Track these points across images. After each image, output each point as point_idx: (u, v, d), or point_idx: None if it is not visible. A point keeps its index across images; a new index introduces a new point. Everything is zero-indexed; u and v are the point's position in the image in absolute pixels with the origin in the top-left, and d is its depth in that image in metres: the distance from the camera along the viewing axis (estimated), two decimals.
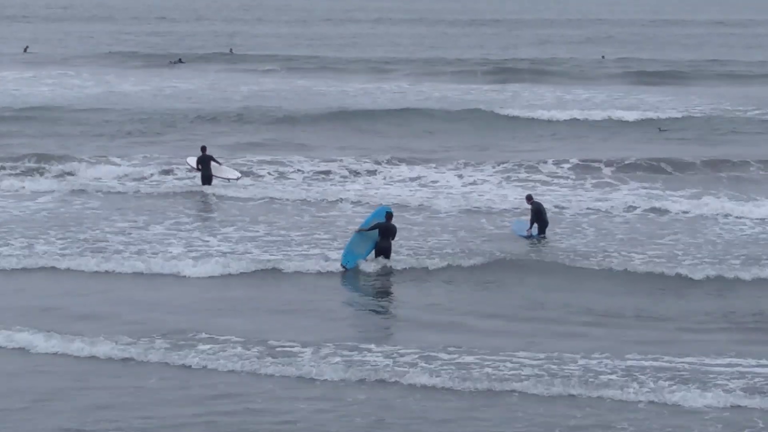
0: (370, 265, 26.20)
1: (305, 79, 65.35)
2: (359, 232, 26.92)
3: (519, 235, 29.64)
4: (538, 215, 29.39)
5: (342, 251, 26.79)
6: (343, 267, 26.29)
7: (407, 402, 18.10)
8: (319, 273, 25.91)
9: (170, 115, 49.78)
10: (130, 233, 29.15)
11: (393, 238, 26.84)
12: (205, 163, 35.47)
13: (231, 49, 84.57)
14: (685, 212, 32.13)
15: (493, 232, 30.08)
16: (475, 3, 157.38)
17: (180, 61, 75.48)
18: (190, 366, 19.56)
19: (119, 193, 34.75)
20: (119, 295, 24.11)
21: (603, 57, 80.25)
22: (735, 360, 19.73)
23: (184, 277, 25.52)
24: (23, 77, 64.02)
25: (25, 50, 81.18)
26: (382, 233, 26.65)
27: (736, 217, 31.54)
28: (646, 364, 19.48)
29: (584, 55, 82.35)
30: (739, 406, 17.75)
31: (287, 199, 33.83)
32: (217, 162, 35.78)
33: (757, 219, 31.34)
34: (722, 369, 19.28)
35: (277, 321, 22.32)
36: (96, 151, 40.66)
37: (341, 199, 33.83)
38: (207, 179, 35.37)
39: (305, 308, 23.33)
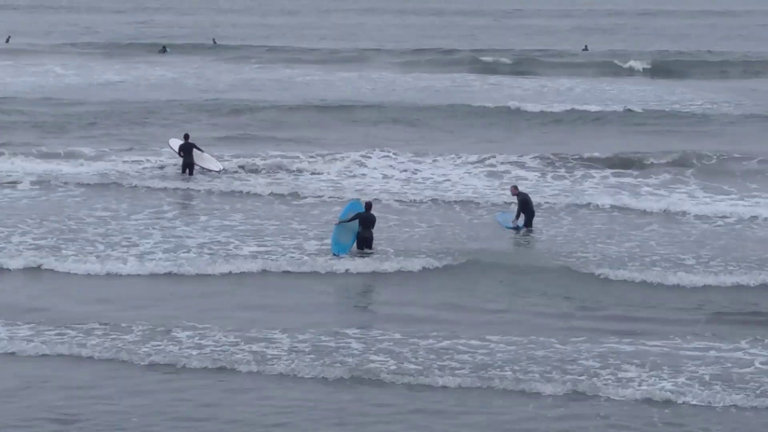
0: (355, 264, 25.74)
1: (289, 69, 65.28)
2: (339, 224, 27.08)
3: (504, 226, 29.44)
4: (525, 206, 29.24)
5: (329, 242, 26.97)
6: (336, 256, 26.39)
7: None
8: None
9: (151, 104, 49.66)
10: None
11: (373, 227, 26.99)
12: (187, 150, 35.30)
13: (214, 40, 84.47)
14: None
15: (474, 224, 29.96)
16: None
17: (164, 49, 75.20)
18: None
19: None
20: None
21: (585, 48, 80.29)
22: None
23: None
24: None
25: (7, 41, 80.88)
26: (362, 223, 26.83)
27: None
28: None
29: (569, 45, 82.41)
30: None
31: (260, 194, 33.20)
32: (200, 149, 35.58)
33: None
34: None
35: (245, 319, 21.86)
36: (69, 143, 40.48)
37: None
38: (188, 167, 35.26)
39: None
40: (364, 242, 26.84)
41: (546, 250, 27.09)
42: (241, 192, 33.41)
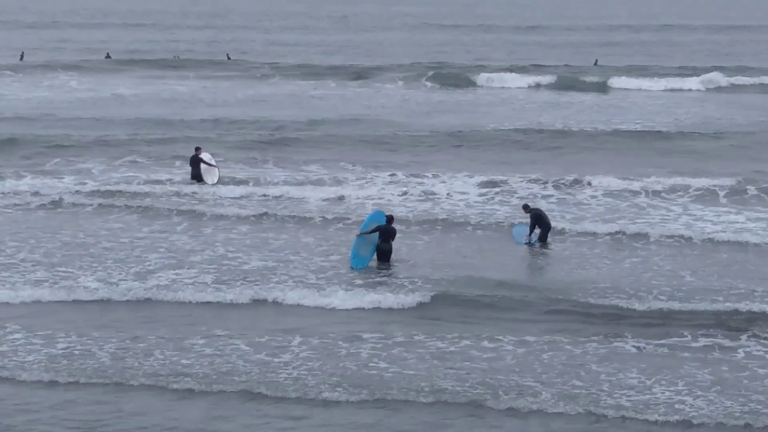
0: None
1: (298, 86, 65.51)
2: (360, 235, 27.35)
3: (517, 241, 29.69)
4: (539, 221, 29.46)
5: (349, 255, 27.32)
6: (354, 269, 26.73)
7: None
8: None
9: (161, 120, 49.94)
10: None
11: (393, 240, 27.36)
12: (195, 163, 36.82)
13: (228, 55, 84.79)
14: None
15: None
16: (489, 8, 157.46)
17: (176, 57, 75.42)
18: None
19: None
20: None
21: (596, 62, 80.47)
22: None
23: None
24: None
25: (21, 58, 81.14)
26: (382, 236, 27.19)
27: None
28: None
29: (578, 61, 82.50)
30: None
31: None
32: (207, 164, 36.96)
33: None
34: None
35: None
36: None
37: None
38: (195, 177, 36.75)
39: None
40: (383, 254, 27.23)
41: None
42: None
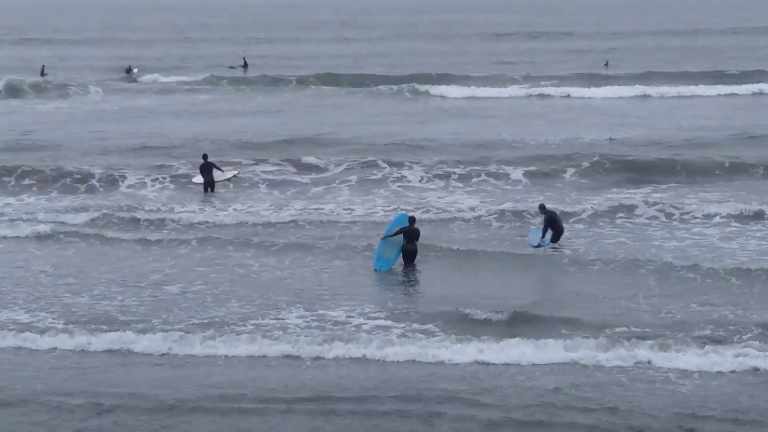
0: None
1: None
2: (385, 238, 28.46)
3: (530, 245, 30.16)
4: (552, 224, 29.97)
5: (373, 258, 28.33)
6: (377, 271, 27.87)
7: None
8: None
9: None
10: None
11: (417, 240, 28.39)
12: (207, 170, 37.88)
13: (244, 59, 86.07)
14: None
15: None
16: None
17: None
18: None
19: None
20: None
21: (606, 64, 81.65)
22: None
23: None
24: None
25: (42, 73, 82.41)
26: (406, 237, 28.24)
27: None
28: None
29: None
30: None
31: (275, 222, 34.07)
32: (220, 169, 38.35)
33: None
34: None
35: None
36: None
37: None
38: (209, 185, 38.07)
39: None
40: (409, 255, 28.26)
41: None
42: None
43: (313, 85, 71.02)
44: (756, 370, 20.66)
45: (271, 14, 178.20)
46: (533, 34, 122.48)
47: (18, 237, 32.07)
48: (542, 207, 30.89)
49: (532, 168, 40.77)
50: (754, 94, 65.49)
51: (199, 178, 38.64)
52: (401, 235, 28.35)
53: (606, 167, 40.82)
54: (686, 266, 27.34)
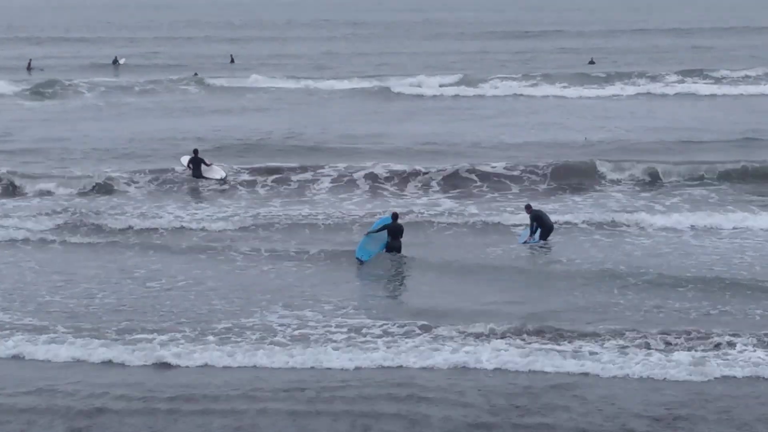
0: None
1: None
2: (368, 234, 28.77)
3: (520, 242, 30.62)
4: (539, 221, 30.44)
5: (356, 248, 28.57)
6: (359, 260, 28.06)
7: None
8: None
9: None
10: None
11: (401, 237, 28.70)
12: (196, 164, 39.25)
13: (231, 57, 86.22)
14: None
15: None
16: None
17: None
18: None
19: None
20: None
21: (592, 61, 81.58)
22: None
23: None
24: None
25: (28, 67, 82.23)
26: (390, 234, 28.61)
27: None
28: None
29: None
30: None
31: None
32: (206, 164, 39.29)
33: None
34: None
35: None
36: None
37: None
38: (197, 177, 39.18)
39: None
40: (394, 249, 28.62)
41: None
42: None
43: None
44: None
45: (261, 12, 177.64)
46: (519, 33, 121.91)
47: None
48: (528, 207, 31.33)
49: (503, 169, 40.00)
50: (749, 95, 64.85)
51: (185, 159, 39.83)
52: (385, 233, 28.65)
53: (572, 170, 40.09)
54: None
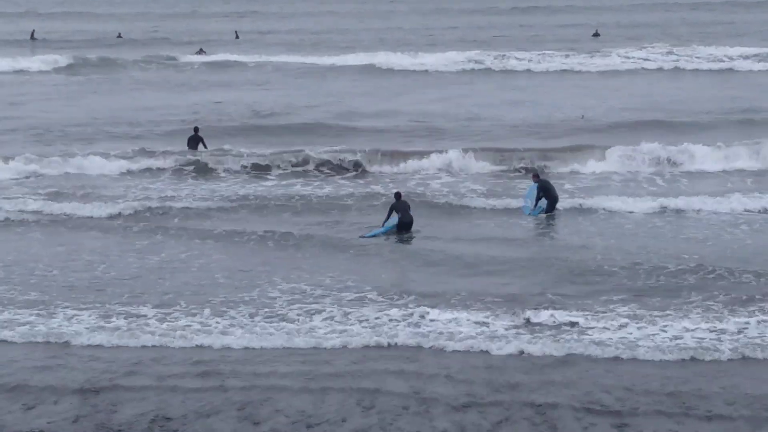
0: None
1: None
2: (384, 227, 28.70)
3: (525, 213, 30.20)
4: (546, 192, 30.04)
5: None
6: (363, 237, 28.05)
7: None
8: None
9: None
10: None
11: (410, 210, 28.80)
12: (194, 143, 38.51)
13: (236, 33, 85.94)
14: None
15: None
16: None
17: (201, 51, 76.03)
18: None
19: None
20: None
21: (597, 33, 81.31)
22: None
23: None
24: None
25: (32, 36, 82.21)
26: (400, 211, 28.67)
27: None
28: None
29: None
30: None
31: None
32: (205, 146, 38.36)
33: None
34: None
35: None
36: None
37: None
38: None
39: None
40: (405, 226, 28.56)
41: None
42: None
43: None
44: None
45: None
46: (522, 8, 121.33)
47: None
48: (536, 175, 30.96)
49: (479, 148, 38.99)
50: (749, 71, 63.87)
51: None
52: (395, 218, 28.60)
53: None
54: None
